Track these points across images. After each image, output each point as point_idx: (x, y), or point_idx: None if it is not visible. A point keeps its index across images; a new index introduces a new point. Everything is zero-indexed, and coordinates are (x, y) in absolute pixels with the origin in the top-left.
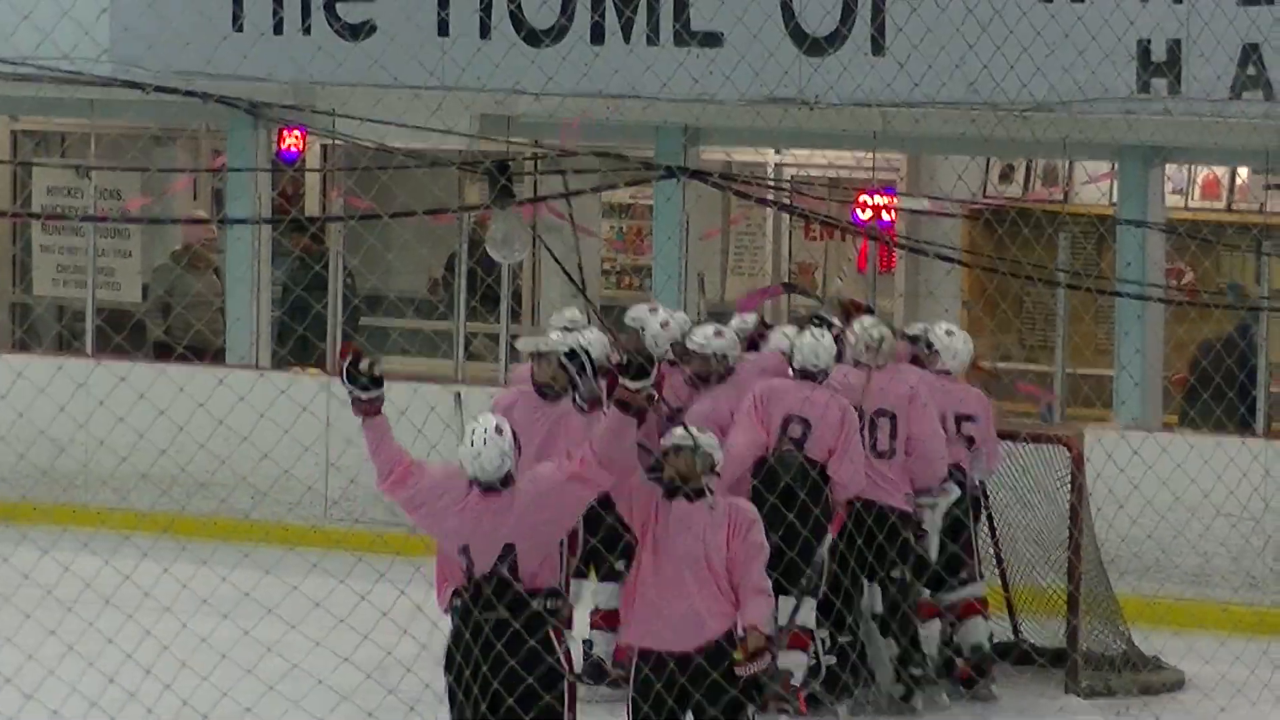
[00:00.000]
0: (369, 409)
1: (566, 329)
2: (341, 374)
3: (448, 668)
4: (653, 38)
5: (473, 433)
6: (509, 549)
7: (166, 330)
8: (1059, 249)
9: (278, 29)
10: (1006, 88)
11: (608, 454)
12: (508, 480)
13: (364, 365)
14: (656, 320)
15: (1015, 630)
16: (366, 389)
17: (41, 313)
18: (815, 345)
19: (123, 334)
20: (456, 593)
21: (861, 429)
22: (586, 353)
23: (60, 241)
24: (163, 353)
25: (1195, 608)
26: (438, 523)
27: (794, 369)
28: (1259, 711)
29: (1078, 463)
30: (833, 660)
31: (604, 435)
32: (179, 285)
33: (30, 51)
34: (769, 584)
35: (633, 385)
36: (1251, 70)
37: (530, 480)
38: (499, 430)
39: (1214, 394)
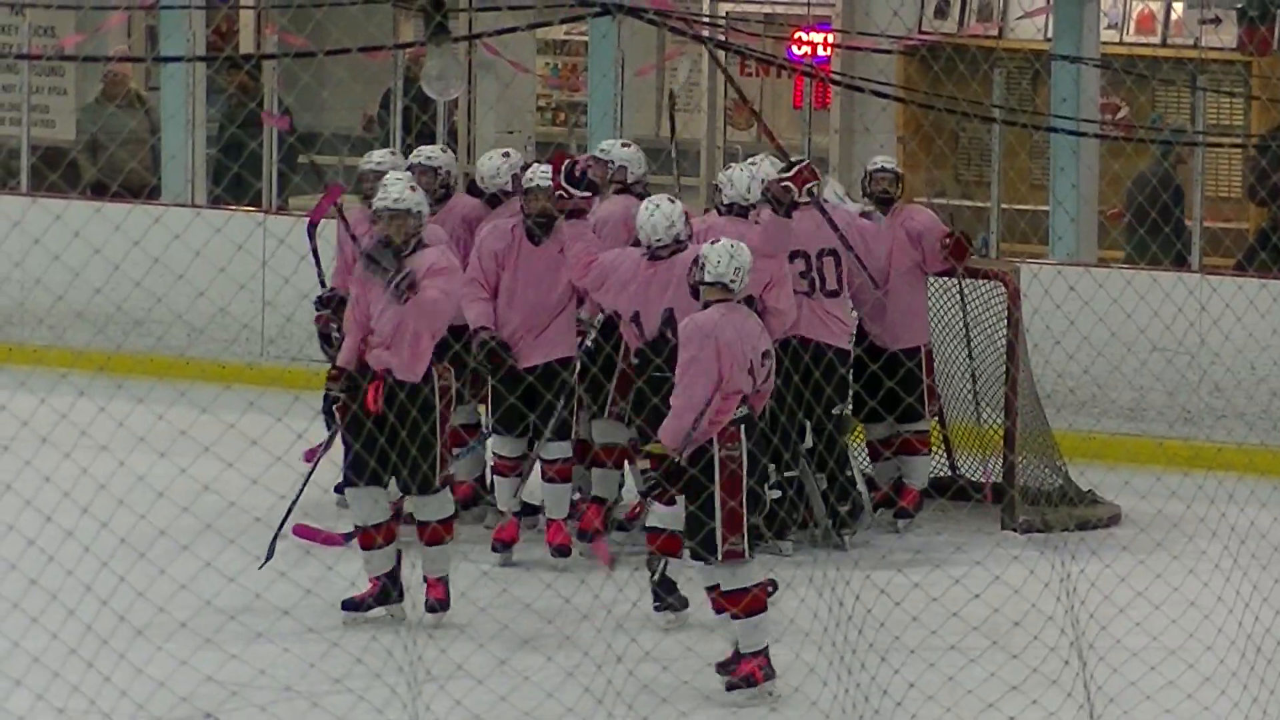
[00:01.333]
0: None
1: (377, 169)
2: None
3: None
4: None
5: (648, 202)
6: (669, 313)
7: (100, 169)
8: (994, 85)
9: None
10: None
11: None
12: (675, 246)
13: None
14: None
15: (952, 466)
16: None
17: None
18: (748, 180)
19: (57, 172)
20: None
21: (807, 270)
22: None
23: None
24: (98, 191)
25: (1131, 443)
26: (615, 296)
27: (724, 205)
28: (1195, 546)
29: (1014, 298)
30: (776, 495)
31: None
32: (109, 123)
33: None
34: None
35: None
36: None
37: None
38: (671, 200)
39: (1149, 229)
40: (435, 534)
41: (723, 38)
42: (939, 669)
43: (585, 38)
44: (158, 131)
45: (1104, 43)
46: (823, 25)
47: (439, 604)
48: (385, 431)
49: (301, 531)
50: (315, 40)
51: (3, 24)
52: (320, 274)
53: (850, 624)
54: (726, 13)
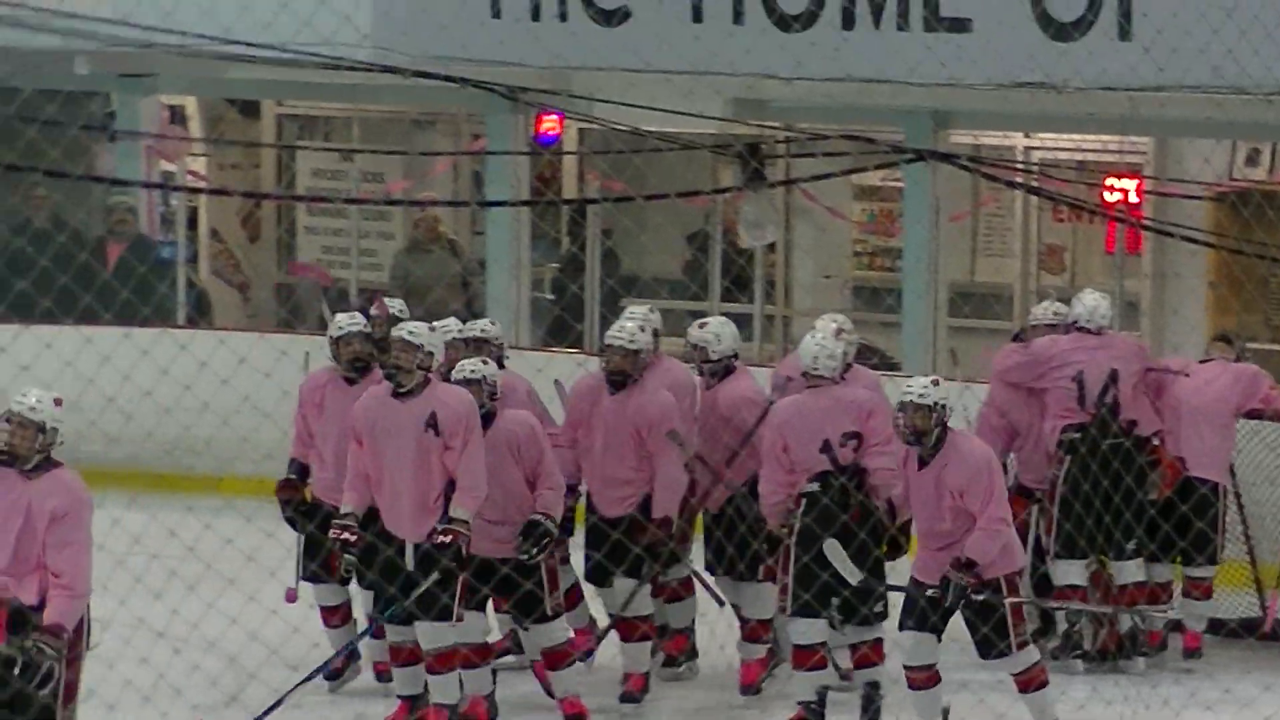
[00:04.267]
0: None
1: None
2: None
3: None
4: (902, 24)
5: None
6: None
7: (421, 311)
8: None
9: (535, 15)
10: (1251, 71)
11: None
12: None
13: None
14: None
15: (1263, 605)
16: None
17: (304, 294)
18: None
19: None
20: None
21: None
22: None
23: (324, 223)
24: None
25: None
26: None
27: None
28: None
29: None
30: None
31: None
32: (419, 267)
33: (290, 38)
34: None
35: None
36: None
37: None
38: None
39: None
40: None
41: (1035, 184)
42: None
43: (900, 183)
44: (470, 275)
45: None
46: (1134, 172)
47: None
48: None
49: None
50: (634, 186)
51: (333, 170)
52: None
53: None
54: (1039, 159)
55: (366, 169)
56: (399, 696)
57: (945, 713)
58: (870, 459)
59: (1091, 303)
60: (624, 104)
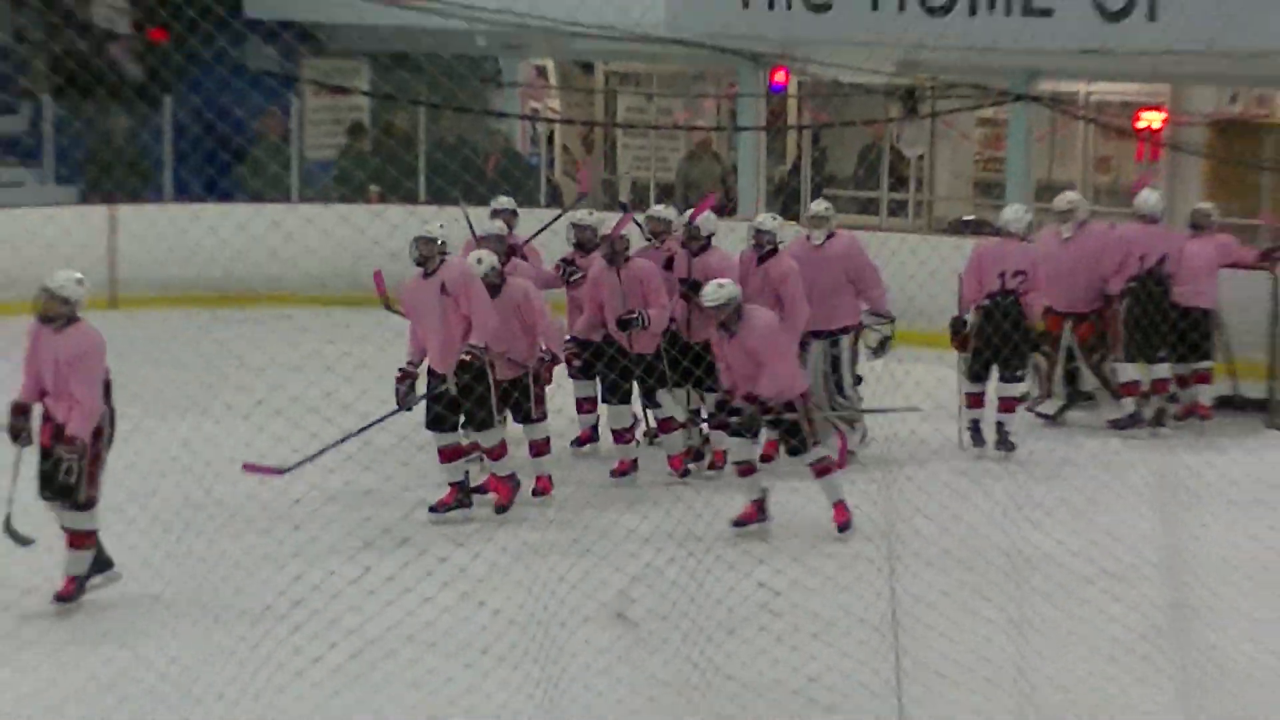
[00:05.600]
0: None
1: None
2: None
3: None
4: (1006, 11)
5: None
6: None
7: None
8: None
9: (770, 6)
10: (1235, 39)
11: None
12: None
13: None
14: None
15: (1234, 388)
16: None
17: (619, 185)
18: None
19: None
20: None
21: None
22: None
23: (634, 142)
24: None
25: None
26: None
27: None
28: None
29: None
30: None
31: None
32: (693, 169)
33: (614, 19)
34: None
35: None
36: None
37: None
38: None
39: None
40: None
41: (1092, 117)
42: None
43: (1006, 116)
44: (727, 174)
45: None
46: (1157, 106)
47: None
48: None
49: (250, 467)
50: (834, 117)
51: (640, 107)
52: None
53: None
54: (1095, 100)
55: (662, 106)
56: (449, 484)
57: (765, 492)
58: (1028, 294)
59: (1152, 199)
60: (827, 63)
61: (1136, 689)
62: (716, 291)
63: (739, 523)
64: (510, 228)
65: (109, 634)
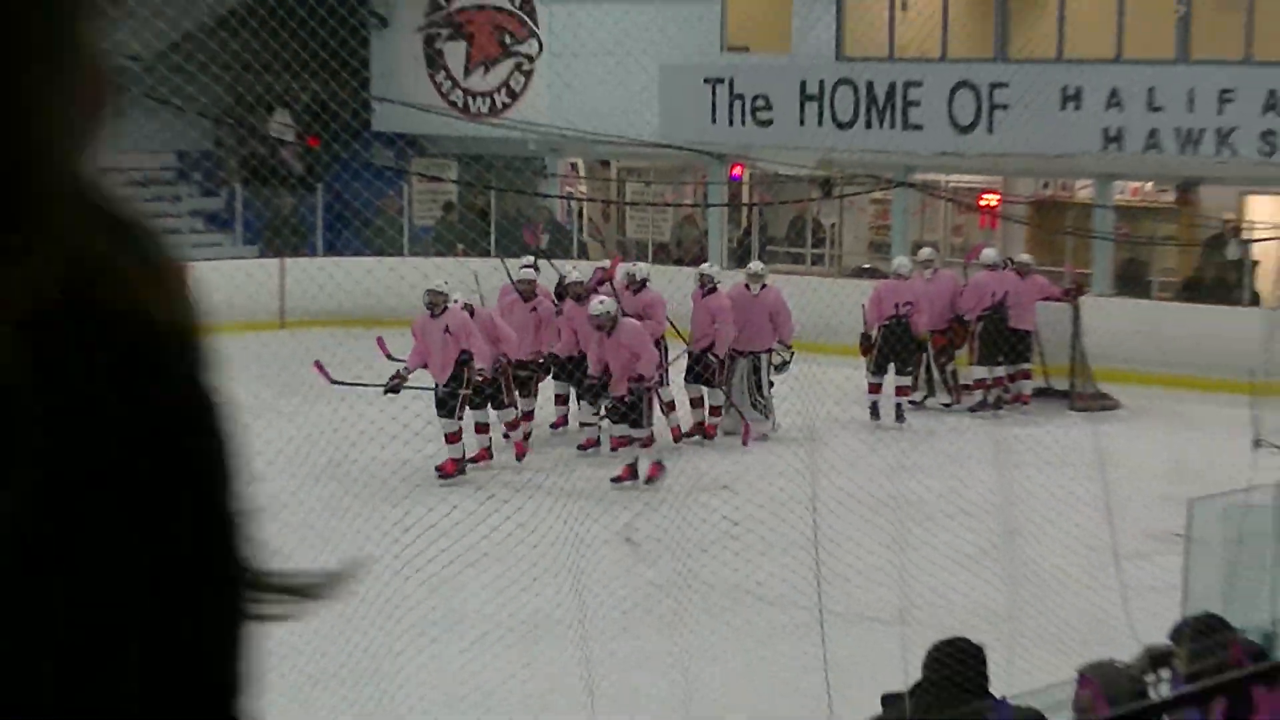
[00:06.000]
0: None
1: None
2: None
3: None
4: (891, 124)
5: None
6: None
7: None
8: None
9: (730, 122)
10: (1036, 145)
11: None
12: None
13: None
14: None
15: (1047, 383)
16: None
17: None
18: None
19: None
20: None
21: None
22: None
23: (638, 214)
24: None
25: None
26: None
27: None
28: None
29: (1077, 310)
30: None
31: None
32: (685, 233)
33: (626, 130)
34: None
35: None
36: None
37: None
38: None
39: None
40: None
41: (950, 197)
42: None
43: (891, 196)
44: (705, 235)
45: None
46: (994, 191)
47: None
48: None
49: (318, 366)
50: (772, 197)
51: (640, 189)
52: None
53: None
54: (950, 184)
55: (656, 190)
56: (450, 460)
57: (637, 459)
58: (914, 317)
59: (992, 254)
60: (769, 161)
61: (981, 588)
62: (599, 306)
63: (616, 480)
64: (537, 273)
65: None
